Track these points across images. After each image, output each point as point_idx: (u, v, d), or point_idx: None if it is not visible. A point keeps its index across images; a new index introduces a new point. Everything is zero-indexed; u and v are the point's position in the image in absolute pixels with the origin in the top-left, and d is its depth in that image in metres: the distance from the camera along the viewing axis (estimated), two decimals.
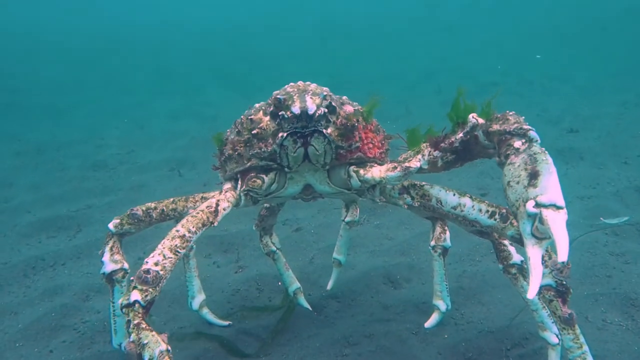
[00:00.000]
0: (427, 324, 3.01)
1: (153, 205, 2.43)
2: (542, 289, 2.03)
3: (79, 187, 5.91)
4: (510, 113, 1.91)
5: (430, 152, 2.09)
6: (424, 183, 2.38)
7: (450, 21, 24.56)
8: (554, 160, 1.72)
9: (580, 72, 12.60)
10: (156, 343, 1.71)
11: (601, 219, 4.47)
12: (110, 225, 2.46)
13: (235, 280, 3.77)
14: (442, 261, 2.91)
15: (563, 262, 1.72)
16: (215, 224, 2.16)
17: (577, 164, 6.10)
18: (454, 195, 2.26)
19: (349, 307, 3.36)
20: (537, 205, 1.57)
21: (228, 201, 2.26)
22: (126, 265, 2.48)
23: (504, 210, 2.12)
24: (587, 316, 3.11)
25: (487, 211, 2.18)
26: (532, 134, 1.80)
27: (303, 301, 3.37)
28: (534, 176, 1.64)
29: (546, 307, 2.12)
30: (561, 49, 16.53)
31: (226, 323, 3.24)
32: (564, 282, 2.03)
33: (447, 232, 2.84)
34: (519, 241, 2.05)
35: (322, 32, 23.08)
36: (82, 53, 18.98)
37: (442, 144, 2.06)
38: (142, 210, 2.42)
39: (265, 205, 3.14)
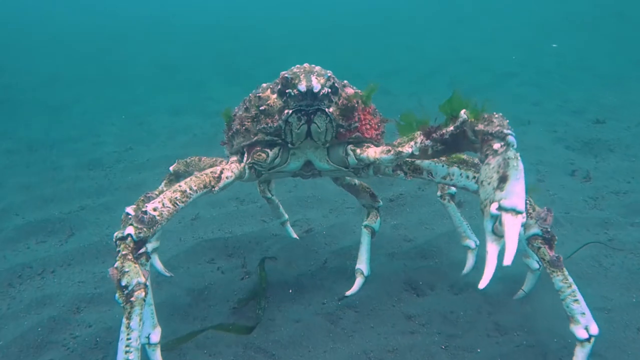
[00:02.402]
0: (465, 270, 3.41)
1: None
2: (530, 238, 2.29)
3: (72, 188, 5.65)
4: (496, 115, 2.06)
5: (422, 140, 2.28)
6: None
7: (462, 10, 24.21)
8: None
9: (601, 60, 12.27)
10: (136, 274, 1.96)
11: None
12: (171, 168, 3.06)
13: (241, 287, 3.51)
14: (453, 204, 3.35)
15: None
16: (216, 189, 2.42)
17: (607, 157, 5.78)
18: (443, 166, 2.54)
19: (368, 317, 3.10)
20: (500, 208, 1.79)
21: (232, 171, 2.52)
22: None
23: None
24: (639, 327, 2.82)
25: (474, 177, 2.46)
26: (510, 139, 1.96)
27: (290, 230, 4.08)
28: (502, 180, 1.84)
29: (535, 253, 2.34)
30: (577, 37, 16.20)
31: (169, 274, 3.64)
32: (549, 230, 2.26)
33: None
34: None
35: (328, 24, 22.81)
36: (78, 47, 18.78)
37: (434, 135, 2.24)
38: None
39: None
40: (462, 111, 2.15)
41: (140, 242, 2.08)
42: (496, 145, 1.98)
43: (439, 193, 3.37)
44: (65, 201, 5.24)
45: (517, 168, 1.86)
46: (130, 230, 2.05)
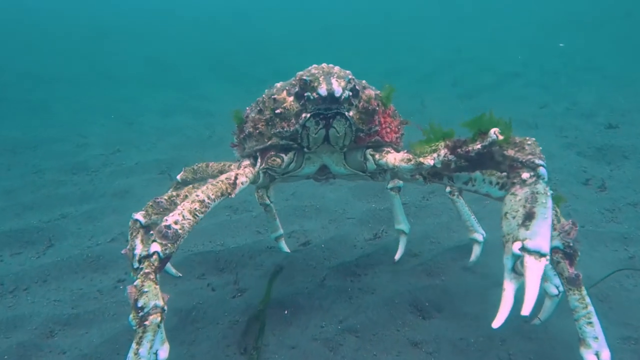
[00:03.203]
0: (472, 259, 3.58)
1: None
2: (550, 251, 2.10)
3: (53, 194, 5.40)
4: (529, 141, 1.97)
5: (446, 154, 2.15)
6: None
7: (463, 9, 24.04)
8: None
9: (610, 61, 12.09)
10: (155, 296, 1.85)
11: None
12: (178, 177, 2.96)
13: (233, 307, 3.29)
14: (461, 200, 3.46)
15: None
16: (233, 195, 2.32)
17: (621, 164, 5.58)
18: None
19: (370, 343, 2.88)
20: (523, 248, 1.73)
21: (246, 176, 2.43)
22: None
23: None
24: None
25: (498, 183, 2.27)
26: (542, 170, 1.87)
27: (283, 245, 3.89)
28: (528, 217, 1.77)
29: (553, 268, 2.24)
30: (584, 37, 16.07)
31: (178, 274, 3.70)
32: (572, 244, 2.14)
33: None
34: None
35: (328, 22, 22.63)
36: (68, 42, 18.53)
37: (459, 150, 2.11)
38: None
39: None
40: (492, 130, 2.02)
41: (166, 259, 1.99)
42: (525, 175, 1.90)
43: (447, 189, 3.40)
44: (46, 208, 5.00)
45: (545, 205, 1.79)
46: (156, 247, 1.95)
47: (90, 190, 5.49)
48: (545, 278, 2.80)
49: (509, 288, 1.79)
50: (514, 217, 1.84)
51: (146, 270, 1.92)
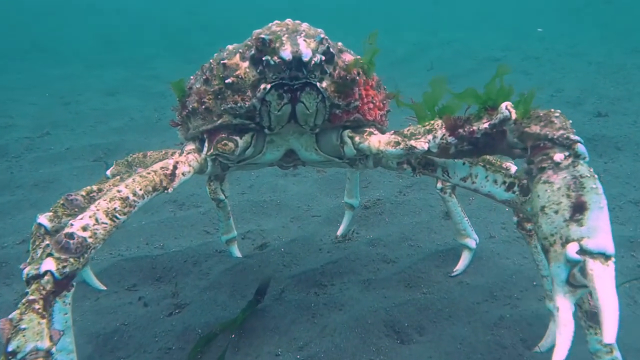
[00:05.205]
0: (458, 268, 3.23)
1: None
2: None
3: None
4: (556, 114, 1.61)
5: (444, 135, 1.80)
6: None
7: None
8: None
9: (593, 47, 11.98)
10: (37, 335, 1.45)
11: None
12: (108, 172, 2.47)
13: (167, 329, 2.78)
14: (454, 199, 3.10)
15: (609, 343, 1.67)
16: (170, 190, 1.93)
17: (615, 157, 5.25)
18: (464, 164, 2.07)
19: None
20: (582, 251, 1.35)
21: (190, 165, 2.02)
22: None
23: (525, 181, 1.82)
24: None
25: (504, 182, 2.01)
26: (580, 148, 1.53)
27: (234, 249, 3.52)
28: (579, 209, 1.42)
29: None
30: (564, 22, 16.01)
31: (102, 287, 3.17)
32: None
33: None
34: None
35: (298, 3, 22.08)
36: (6, 15, 17.45)
37: (461, 130, 1.77)
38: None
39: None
40: (504, 104, 1.66)
41: (65, 280, 1.57)
42: (558, 156, 1.51)
43: (439, 185, 3.08)
44: None
45: (597, 192, 1.41)
46: (49, 264, 1.53)
47: (5, 180, 4.90)
48: (551, 297, 2.37)
49: (564, 306, 1.38)
50: (556, 212, 1.44)
51: (31, 297, 1.49)
